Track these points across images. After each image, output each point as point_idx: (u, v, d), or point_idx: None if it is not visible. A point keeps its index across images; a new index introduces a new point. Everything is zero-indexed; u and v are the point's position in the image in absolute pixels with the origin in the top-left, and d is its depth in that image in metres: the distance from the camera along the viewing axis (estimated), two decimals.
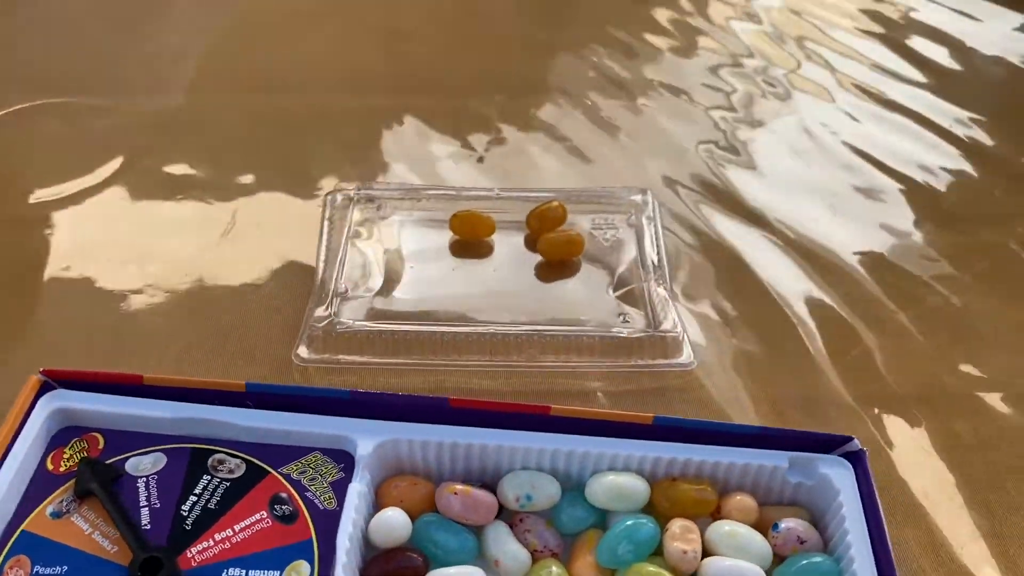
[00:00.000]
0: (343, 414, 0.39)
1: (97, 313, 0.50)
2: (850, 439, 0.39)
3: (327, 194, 0.56)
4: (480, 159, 0.62)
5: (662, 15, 0.78)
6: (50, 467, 0.38)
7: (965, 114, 0.69)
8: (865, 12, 0.81)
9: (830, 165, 0.64)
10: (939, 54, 0.76)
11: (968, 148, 0.66)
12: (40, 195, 0.57)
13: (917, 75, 0.73)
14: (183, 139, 0.63)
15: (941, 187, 0.62)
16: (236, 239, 0.55)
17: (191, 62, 0.69)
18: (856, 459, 0.39)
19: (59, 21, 0.74)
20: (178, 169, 0.60)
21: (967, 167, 0.64)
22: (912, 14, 0.81)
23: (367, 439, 0.39)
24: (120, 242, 0.54)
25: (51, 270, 0.52)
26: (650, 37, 0.76)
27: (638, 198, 0.57)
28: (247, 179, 0.60)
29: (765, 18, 0.79)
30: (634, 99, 0.69)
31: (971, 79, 0.73)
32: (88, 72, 0.69)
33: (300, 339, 0.47)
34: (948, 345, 0.51)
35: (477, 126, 0.65)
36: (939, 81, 0.73)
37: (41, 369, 0.40)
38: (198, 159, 0.61)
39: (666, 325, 0.48)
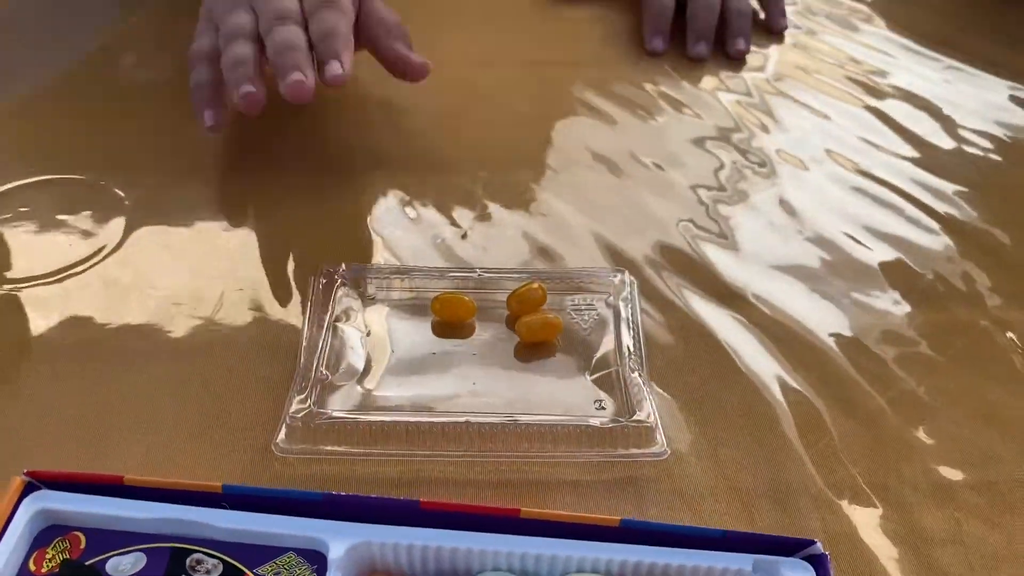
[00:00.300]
0: (316, 515, 0.40)
1: (82, 398, 0.51)
2: (812, 542, 0.40)
3: (312, 275, 0.57)
4: (464, 235, 0.63)
5: (649, 87, 0.80)
6: (32, 568, 0.39)
7: (947, 187, 0.70)
8: (852, 81, 0.82)
9: (809, 240, 0.65)
10: (923, 126, 0.77)
11: (947, 222, 0.67)
12: (25, 277, 0.58)
13: (900, 147, 0.74)
14: (174, 215, 0.64)
15: (918, 263, 0.63)
16: (224, 320, 0.56)
17: (182, 139, 0.70)
18: (818, 562, 0.40)
19: (53, 97, 0.76)
20: (169, 246, 0.61)
21: (945, 242, 0.65)
22: (896, 82, 0.82)
23: (339, 541, 0.40)
24: (107, 325, 0.56)
25: (33, 356, 0.54)
26: (636, 109, 0.77)
27: (616, 278, 0.58)
28: (235, 257, 0.61)
29: (752, 88, 0.80)
30: (618, 173, 0.70)
31: (955, 151, 0.74)
32: (79, 150, 0.70)
33: (279, 429, 0.48)
34: (922, 431, 0.52)
35: (462, 202, 0.66)
36: (922, 153, 0.74)
37: (25, 471, 0.41)
38: (188, 235, 0.62)
39: (640, 414, 0.49)
